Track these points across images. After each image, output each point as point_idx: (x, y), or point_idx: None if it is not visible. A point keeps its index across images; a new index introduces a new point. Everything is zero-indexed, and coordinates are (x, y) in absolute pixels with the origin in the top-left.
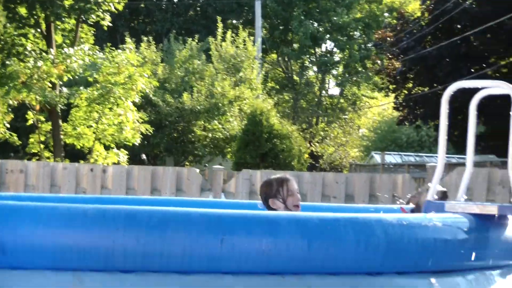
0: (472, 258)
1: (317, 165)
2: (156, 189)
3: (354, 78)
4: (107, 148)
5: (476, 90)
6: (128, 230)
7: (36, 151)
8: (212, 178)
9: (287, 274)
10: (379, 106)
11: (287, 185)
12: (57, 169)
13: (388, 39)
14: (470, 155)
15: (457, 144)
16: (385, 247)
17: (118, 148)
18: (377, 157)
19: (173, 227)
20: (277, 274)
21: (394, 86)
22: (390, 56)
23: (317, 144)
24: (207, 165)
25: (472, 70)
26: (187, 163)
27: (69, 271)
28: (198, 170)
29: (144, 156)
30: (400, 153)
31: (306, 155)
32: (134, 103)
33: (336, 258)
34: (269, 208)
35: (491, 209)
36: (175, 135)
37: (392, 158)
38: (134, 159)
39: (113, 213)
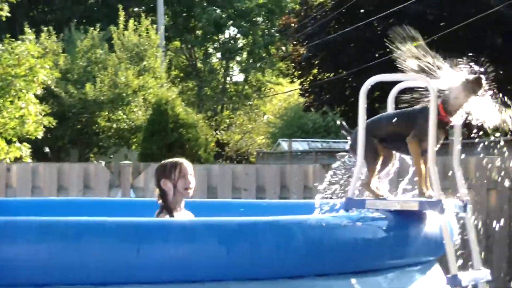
0: (392, 256)
1: (223, 153)
2: (63, 187)
3: (258, 65)
4: (9, 142)
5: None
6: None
7: None
8: (120, 174)
9: (207, 281)
10: (285, 93)
11: (180, 168)
12: None
13: (292, 25)
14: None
15: None
16: (305, 250)
17: (21, 142)
18: (284, 144)
19: (87, 237)
20: (196, 282)
21: (299, 72)
22: (294, 42)
23: (222, 132)
24: (112, 156)
25: (377, 55)
26: (92, 155)
27: None
28: (103, 163)
29: (47, 149)
30: (307, 139)
31: (213, 144)
32: (36, 96)
33: (256, 263)
34: (161, 189)
35: (412, 205)
36: (79, 126)
37: (299, 145)
38: (37, 152)
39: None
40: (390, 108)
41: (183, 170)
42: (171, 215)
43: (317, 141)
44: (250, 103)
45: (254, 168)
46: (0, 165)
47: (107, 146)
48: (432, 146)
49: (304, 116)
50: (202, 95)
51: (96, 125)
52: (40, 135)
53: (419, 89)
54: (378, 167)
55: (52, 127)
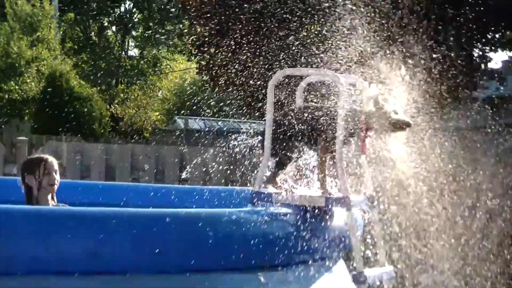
0: (298, 252)
1: (117, 127)
2: None
3: (154, 41)
4: None
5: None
6: None
7: None
8: (16, 150)
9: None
10: (182, 71)
11: (45, 164)
12: None
13: (191, 2)
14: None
15: (259, 109)
16: (214, 244)
17: None
18: (180, 122)
19: None
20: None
21: (196, 50)
22: (193, 20)
23: (117, 106)
24: (3, 127)
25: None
26: None
27: None
28: None
29: None
30: (203, 118)
31: (107, 118)
32: None
33: (165, 256)
34: (25, 184)
35: (319, 201)
36: None
37: (195, 123)
38: None
39: None
40: (299, 100)
41: (47, 167)
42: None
43: (214, 120)
44: (145, 78)
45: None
46: None
47: None
48: (340, 144)
49: (200, 94)
50: (97, 69)
51: None
52: None
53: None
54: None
55: None
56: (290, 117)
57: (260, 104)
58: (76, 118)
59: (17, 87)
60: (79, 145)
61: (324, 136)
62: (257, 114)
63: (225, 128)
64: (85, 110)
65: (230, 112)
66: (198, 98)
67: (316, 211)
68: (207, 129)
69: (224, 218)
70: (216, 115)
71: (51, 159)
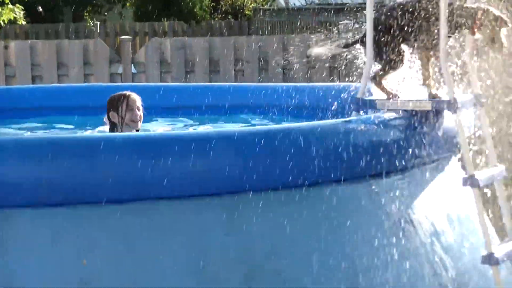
0: (409, 157)
1: (218, 7)
2: (63, 64)
3: None
4: (1, 4)
5: None
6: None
7: None
8: (120, 49)
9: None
10: None
11: (127, 101)
12: None
13: None
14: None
15: None
16: (321, 156)
17: (13, 3)
18: (281, 0)
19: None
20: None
21: None
22: None
23: None
24: (106, 14)
25: None
26: (86, 13)
27: None
28: (99, 23)
29: (40, 9)
30: None
31: (208, 0)
32: None
33: (275, 172)
34: (110, 121)
35: (425, 105)
36: None
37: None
38: (30, 13)
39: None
40: None
41: (130, 103)
42: None
43: None
44: None
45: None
46: None
47: (100, 4)
48: (444, 41)
49: None
50: None
51: None
52: None
53: None
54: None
55: None
56: (392, 15)
57: None
58: (177, 2)
59: None
60: (182, 40)
61: (425, 32)
62: None
63: (326, 3)
64: None
65: None
66: None
67: (424, 114)
68: (307, 4)
69: (330, 128)
70: None
71: (133, 95)
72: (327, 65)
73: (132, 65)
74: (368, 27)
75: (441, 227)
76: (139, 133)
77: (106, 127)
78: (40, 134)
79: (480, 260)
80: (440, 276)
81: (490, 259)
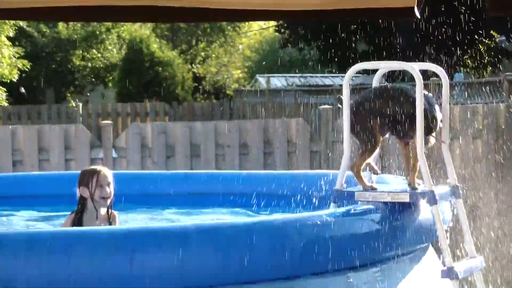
0: (386, 248)
1: (200, 87)
2: (44, 149)
3: None
4: None
5: None
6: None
7: None
8: (101, 132)
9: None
10: (261, 29)
11: (97, 177)
12: None
13: None
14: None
15: (341, 63)
16: (299, 249)
17: None
18: (262, 81)
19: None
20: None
21: None
22: None
23: (198, 65)
24: (88, 94)
25: None
26: (68, 94)
27: None
28: (81, 104)
29: (23, 90)
30: (284, 75)
31: (189, 80)
32: (9, 38)
33: (255, 266)
34: (81, 195)
35: (403, 197)
36: (53, 66)
37: (277, 80)
38: (12, 94)
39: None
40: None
41: (100, 180)
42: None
43: (295, 76)
44: (225, 35)
45: (237, 124)
46: None
47: (83, 85)
48: (420, 136)
49: (279, 50)
50: (175, 29)
51: (71, 64)
52: (15, 77)
53: None
54: (374, 153)
55: (27, 69)
56: (370, 100)
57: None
58: (159, 83)
59: (99, 54)
60: (163, 125)
61: (401, 123)
62: (339, 67)
63: (307, 84)
64: (167, 74)
65: (311, 67)
66: (278, 54)
67: (401, 205)
68: (289, 85)
69: (311, 222)
70: (297, 70)
71: (104, 171)
72: (308, 150)
73: (114, 149)
74: (345, 117)
75: None
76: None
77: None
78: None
79: None
80: None
81: None
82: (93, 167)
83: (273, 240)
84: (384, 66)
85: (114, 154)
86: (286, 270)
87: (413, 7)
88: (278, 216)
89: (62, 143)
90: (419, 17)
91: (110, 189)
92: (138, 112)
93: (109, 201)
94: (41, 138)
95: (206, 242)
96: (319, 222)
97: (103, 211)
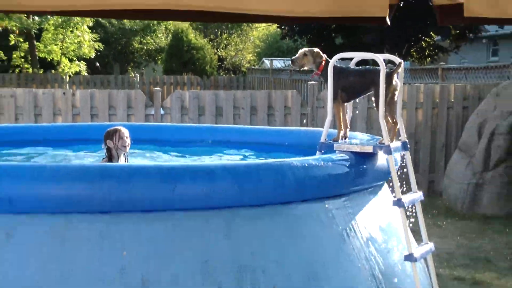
0: (354, 184)
1: (222, 65)
2: (112, 107)
3: None
4: (70, 60)
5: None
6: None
7: (18, 64)
8: (153, 97)
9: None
10: (268, 25)
11: (119, 132)
12: (38, 94)
13: None
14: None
15: (324, 52)
16: (293, 184)
17: (79, 60)
18: (267, 62)
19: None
20: (216, 208)
21: None
22: None
23: (222, 50)
24: (143, 69)
25: None
26: (129, 68)
27: (61, 214)
28: (138, 75)
29: (97, 64)
30: (283, 58)
31: (215, 61)
32: (89, 27)
33: (261, 194)
34: (107, 146)
35: (368, 148)
36: (119, 48)
37: (278, 62)
38: (90, 67)
39: (93, 170)
40: (330, 75)
41: (120, 134)
42: (111, 162)
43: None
44: (241, 28)
45: (249, 93)
46: (67, 91)
47: (139, 62)
48: (382, 104)
49: (280, 41)
50: (206, 23)
51: (132, 47)
52: (92, 55)
53: None
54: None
55: (101, 49)
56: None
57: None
58: (194, 63)
59: (152, 40)
60: (197, 92)
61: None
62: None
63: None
64: (200, 56)
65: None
66: (279, 43)
67: (366, 154)
68: (285, 67)
69: (300, 164)
70: (292, 54)
71: (123, 129)
72: (299, 113)
73: (161, 108)
74: (329, 97)
75: (375, 234)
76: (172, 164)
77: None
78: (87, 162)
79: (403, 258)
80: (374, 269)
81: (410, 258)
82: (114, 127)
83: (275, 176)
84: (359, 55)
85: (162, 112)
86: (284, 197)
87: (385, 17)
88: (278, 160)
89: (125, 103)
90: (389, 24)
91: (128, 141)
92: (179, 82)
93: (127, 149)
94: (110, 99)
95: (227, 176)
96: (307, 165)
97: (122, 159)
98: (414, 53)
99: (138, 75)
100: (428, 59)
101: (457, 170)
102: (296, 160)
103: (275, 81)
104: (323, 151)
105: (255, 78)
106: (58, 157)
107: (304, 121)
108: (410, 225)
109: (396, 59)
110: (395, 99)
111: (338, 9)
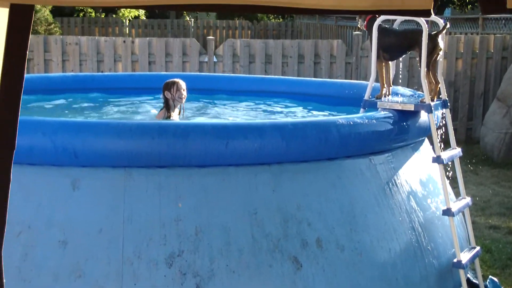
0: (397, 140)
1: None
2: (169, 54)
3: None
4: None
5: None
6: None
7: (82, 8)
8: (206, 45)
9: (272, 164)
10: None
11: (176, 85)
12: (100, 41)
13: None
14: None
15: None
16: (338, 140)
17: None
18: None
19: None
20: (264, 164)
21: None
22: None
23: None
24: (197, 14)
25: None
26: (185, 13)
27: (122, 168)
28: (193, 20)
29: (156, 10)
30: None
31: None
32: None
33: (307, 150)
34: (164, 97)
35: (409, 106)
36: None
37: None
38: (148, 11)
39: (151, 127)
40: (375, 35)
41: (178, 87)
42: (169, 112)
43: None
44: None
45: (297, 42)
46: (127, 39)
47: None
48: (424, 65)
49: None
50: None
51: None
52: None
53: None
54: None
55: None
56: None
57: None
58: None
59: None
60: (247, 41)
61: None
62: None
63: None
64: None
65: None
66: None
67: (408, 112)
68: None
69: (345, 122)
70: None
71: (180, 81)
72: (344, 62)
73: (214, 56)
74: (373, 57)
75: (416, 188)
76: (222, 122)
77: (155, 111)
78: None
79: (441, 212)
80: (413, 222)
81: (448, 212)
82: (172, 79)
83: (320, 133)
84: (401, 16)
85: (215, 59)
86: (329, 153)
87: (430, 9)
88: (324, 118)
89: (181, 50)
90: (433, 15)
91: (185, 93)
92: (230, 27)
93: (183, 100)
94: (167, 46)
95: (276, 133)
96: (352, 123)
97: (177, 109)
98: (455, 0)
99: (192, 19)
100: (469, 6)
101: (494, 119)
102: (341, 118)
103: (321, 27)
104: (366, 108)
105: (302, 24)
106: (122, 108)
107: (348, 70)
108: (449, 174)
109: (440, 20)
110: (438, 59)
111: (385, 3)
